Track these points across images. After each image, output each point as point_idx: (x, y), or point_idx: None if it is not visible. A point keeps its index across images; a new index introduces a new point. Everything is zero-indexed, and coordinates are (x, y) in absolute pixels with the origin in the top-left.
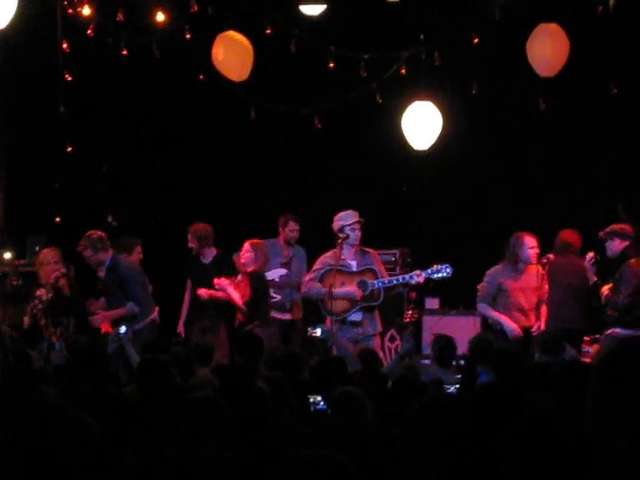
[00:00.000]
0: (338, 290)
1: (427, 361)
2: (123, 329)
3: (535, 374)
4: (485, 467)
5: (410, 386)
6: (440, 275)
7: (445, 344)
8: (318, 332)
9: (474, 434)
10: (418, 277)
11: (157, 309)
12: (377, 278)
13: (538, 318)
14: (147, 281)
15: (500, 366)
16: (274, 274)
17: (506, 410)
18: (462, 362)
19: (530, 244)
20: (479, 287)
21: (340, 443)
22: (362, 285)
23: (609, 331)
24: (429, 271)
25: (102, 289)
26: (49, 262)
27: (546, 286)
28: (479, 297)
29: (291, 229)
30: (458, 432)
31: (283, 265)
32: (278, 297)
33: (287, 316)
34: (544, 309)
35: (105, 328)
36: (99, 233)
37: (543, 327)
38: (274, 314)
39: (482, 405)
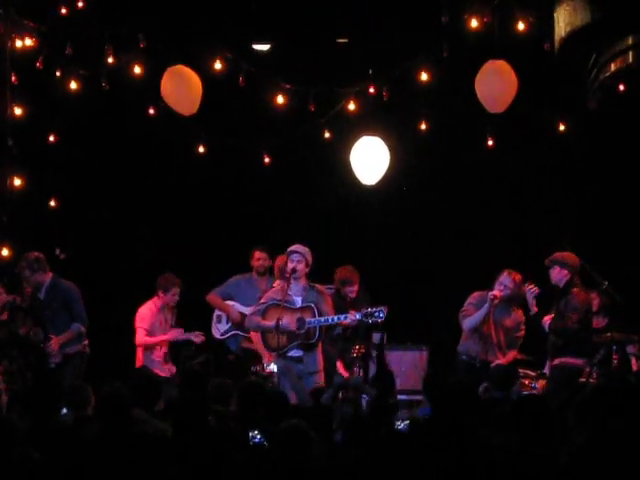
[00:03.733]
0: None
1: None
2: None
3: (485, 408)
4: None
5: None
6: (373, 318)
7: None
8: (273, 368)
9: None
10: (352, 317)
11: (87, 341)
12: (314, 316)
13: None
14: None
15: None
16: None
17: (453, 444)
18: None
19: (502, 281)
20: (465, 309)
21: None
22: (299, 322)
23: (557, 361)
24: (363, 312)
25: (40, 315)
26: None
27: (522, 332)
28: (464, 317)
29: (257, 258)
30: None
31: (259, 300)
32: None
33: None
34: (512, 353)
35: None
36: (35, 254)
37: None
38: (249, 345)
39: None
